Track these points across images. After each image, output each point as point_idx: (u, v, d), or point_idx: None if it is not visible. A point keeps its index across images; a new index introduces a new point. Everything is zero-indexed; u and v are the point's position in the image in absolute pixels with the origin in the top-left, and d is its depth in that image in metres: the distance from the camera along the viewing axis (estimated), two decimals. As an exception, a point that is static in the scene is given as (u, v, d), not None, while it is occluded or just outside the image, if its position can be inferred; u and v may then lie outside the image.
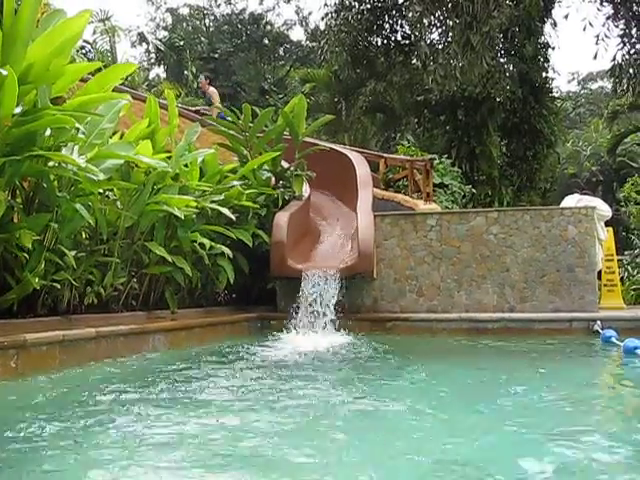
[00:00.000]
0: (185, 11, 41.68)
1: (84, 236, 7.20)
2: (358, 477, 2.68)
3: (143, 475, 2.68)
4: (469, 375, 5.62)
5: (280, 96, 36.64)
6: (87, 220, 6.47)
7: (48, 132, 5.98)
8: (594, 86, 51.18)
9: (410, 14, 20.54)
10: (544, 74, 22.03)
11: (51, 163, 6.04)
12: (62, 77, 6.12)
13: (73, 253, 6.48)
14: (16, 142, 5.61)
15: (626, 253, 15.25)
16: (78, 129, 6.22)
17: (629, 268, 14.37)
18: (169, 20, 41.73)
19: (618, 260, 12.97)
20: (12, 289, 5.98)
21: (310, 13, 41.95)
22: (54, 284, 6.35)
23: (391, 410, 4.07)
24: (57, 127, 5.83)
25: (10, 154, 5.52)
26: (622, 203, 16.45)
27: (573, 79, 53.18)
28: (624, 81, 20.48)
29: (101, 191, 7.06)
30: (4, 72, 4.94)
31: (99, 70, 6.98)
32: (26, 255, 5.94)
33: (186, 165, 8.45)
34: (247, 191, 9.46)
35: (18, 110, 5.67)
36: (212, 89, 15.42)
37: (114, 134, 7.44)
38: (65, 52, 6.14)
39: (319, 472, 2.76)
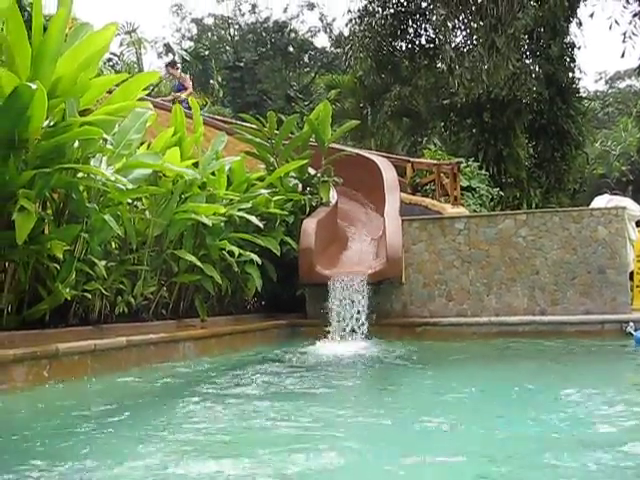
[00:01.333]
0: (210, 21, 41.97)
1: (114, 246, 7.28)
2: None
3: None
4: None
5: (306, 103, 36.70)
6: (116, 230, 6.54)
7: (76, 144, 6.06)
8: (622, 85, 50.57)
9: (434, 17, 20.52)
10: (570, 74, 21.79)
11: (80, 174, 6.12)
12: (89, 90, 6.19)
13: (103, 263, 6.55)
14: (46, 154, 5.69)
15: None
16: (106, 140, 6.31)
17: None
18: (194, 30, 42.05)
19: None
20: (44, 300, 6.05)
21: (334, 19, 41.96)
22: (85, 294, 6.42)
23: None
24: (85, 139, 5.90)
25: (40, 166, 5.59)
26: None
27: (600, 78, 52.61)
28: (653, 79, 20.26)
29: (130, 201, 7.12)
30: (33, 86, 5.01)
31: (124, 81, 7.06)
32: (57, 266, 6.01)
33: (213, 173, 8.51)
34: (274, 198, 9.49)
35: (47, 123, 5.76)
36: (185, 75, 14.98)
37: (141, 144, 7.51)
38: (92, 65, 6.22)
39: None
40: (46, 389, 4.94)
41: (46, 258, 5.94)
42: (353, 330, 8.47)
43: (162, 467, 2.89)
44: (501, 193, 16.57)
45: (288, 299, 10.17)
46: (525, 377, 5.76)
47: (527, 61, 20.92)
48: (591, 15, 21.48)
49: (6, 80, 5.13)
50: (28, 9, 9.55)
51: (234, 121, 15.10)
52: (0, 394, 4.61)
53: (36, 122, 5.43)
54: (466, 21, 20.05)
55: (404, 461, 3.01)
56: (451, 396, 4.86)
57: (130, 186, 6.08)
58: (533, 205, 19.63)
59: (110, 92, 7.05)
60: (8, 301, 5.78)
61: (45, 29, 5.75)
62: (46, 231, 6.19)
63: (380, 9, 22.39)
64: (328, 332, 8.58)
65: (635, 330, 8.13)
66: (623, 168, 36.17)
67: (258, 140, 10.74)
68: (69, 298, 6.13)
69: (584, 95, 27.34)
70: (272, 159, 10.78)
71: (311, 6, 42.37)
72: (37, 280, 6.11)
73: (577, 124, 21.61)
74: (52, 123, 5.89)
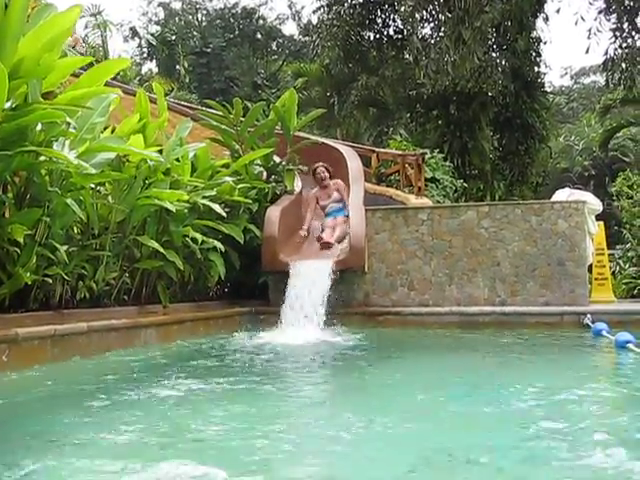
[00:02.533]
0: (177, 5, 41.61)
1: (76, 231, 7.21)
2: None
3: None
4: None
5: (273, 91, 36.61)
6: (79, 215, 6.48)
7: (39, 127, 5.98)
8: (587, 81, 51.31)
9: (402, 8, 20.58)
10: (536, 69, 22.07)
11: (42, 158, 6.04)
12: (53, 72, 6.10)
13: (65, 248, 6.48)
14: (7, 137, 5.60)
15: (618, 247, 15.33)
16: (69, 124, 6.23)
17: (620, 262, 14.46)
18: (161, 15, 41.63)
19: (610, 254, 13.06)
20: (4, 284, 5.98)
21: (303, 7, 42.16)
22: (46, 279, 6.35)
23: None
24: (48, 122, 5.83)
25: (1, 149, 5.51)
26: (614, 197, 16.52)
27: (566, 74, 53.35)
28: (616, 75, 20.57)
29: (93, 185, 7.06)
30: (-6, 66, 4.93)
31: (91, 65, 6.98)
32: (17, 250, 5.94)
33: (178, 160, 8.46)
34: (239, 186, 9.47)
35: (8, 105, 5.67)
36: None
37: (105, 129, 7.44)
38: (56, 47, 6.13)
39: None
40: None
41: (6, 242, 5.87)
42: (314, 319, 8.47)
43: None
44: (465, 185, 16.73)
45: (251, 286, 10.18)
46: (471, 367, 5.84)
47: (493, 54, 21.11)
48: (557, 10, 21.79)
49: (-34, 61, 5.05)
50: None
51: (200, 107, 15.03)
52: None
53: (-3, 104, 5.34)
54: (434, 13, 20.16)
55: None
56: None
57: (93, 171, 6.03)
58: (496, 197, 19.89)
59: (75, 76, 6.97)
60: (-34, 285, 5.71)
61: (6, 7, 5.66)
62: (7, 215, 6.13)
63: (348, -3, 22.40)
64: (287, 320, 8.58)
65: (592, 322, 8.29)
66: (585, 163, 36.74)
67: (223, 127, 10.70)
68: (29, 282, 6.06)
69: (549, 90, 27.65)
70: (237, 146, 10.75)
71: (280, -7, 42.26)
72: (-4, 265, 6.04)
73: (541, 118, 21.89)
74: (14, 105, 5.80)
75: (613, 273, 13.46)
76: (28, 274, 5.94)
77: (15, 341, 5.23)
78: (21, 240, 5.71)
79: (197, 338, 7.68)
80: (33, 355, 5.40)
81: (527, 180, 22.18)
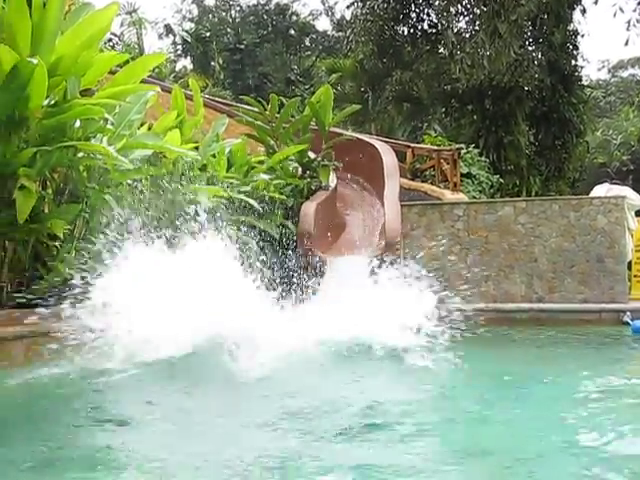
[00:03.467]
0: (211, 2, 41.68)
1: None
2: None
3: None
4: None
5: (306, 86, 36.56)
6: (116, 210, 6.53)
7: (78, 123, 6.04)
8: (625, 74, 50.36)
9: (437, 2, 20.41)
10: (573, 62, 21.65)
11: (80, 154, 6.10)
12: (91, 69, 6.16)
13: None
14: (47, 133, 5.68)
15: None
16: (107, 120, 6.29)
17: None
18: (195, 12, 41.74)
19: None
20: (44, 278, 6.05)
21: (336, 3, 41.55)
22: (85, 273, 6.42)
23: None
24: (86, 118, 5.89)
25: (41, 145, 5.58)
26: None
27: (603, 67, 52.33)
28: (656, 67, 20.17)
29: (130, 181, 7.11)
30: (34, 61, 5.00)
31: (127, 62, 7.03)
32: (57, 244, 6.01)
33: (214, 155, 8.49)
34: (274, 182, 9.48)
35: (48, 102, 5.74)
36: None
37: (142, 125, 7.50)
38: (93, 44, 6.19)
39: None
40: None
41: (46, 237, 5.94)
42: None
43: None
44: (501, 180, 16.54)
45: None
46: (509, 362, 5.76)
47: (530, 48, 20.78)
48: (595, 1, 21.29)
49: (6, 57, 5.11)
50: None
51: (235, 103, 15.07)
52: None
53: (36, 100, 5.41)
54: (469, 6, 19.94)
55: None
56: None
57: (131, 166, 6.07)
58: (533, 193, 19.59)
59: (112, 73, 7.03)
60: (8, 279, 5.78)
61: (44, 6, 5.73)
62: (46, 210, 6.20)
63: (383, -8, 22.25)
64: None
65: (632, 319, 8.17)
66: (624, 157, 36.09)
67: (258, 123, 10.72)
68: (68, 277, 6.14)
69: (586, 83, 27.19)
70: (272, 142, 10.76)
71: (313, -12, 42.13)
72: (37, 259, 6.11)
73: (579, 112, 21.50)
74: (53, 102, 5.87)
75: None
76: (67, 269, 6.01)
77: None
78: (61, 235, 5.77)
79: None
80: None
81: (564, 175, 21.81)
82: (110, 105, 6.09)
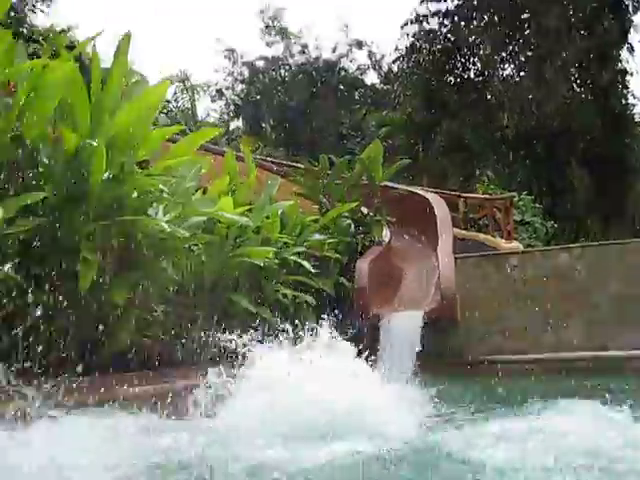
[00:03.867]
0: (261, 63, 42.79)
1: (171, 290, 7.46)
2: None
3: None
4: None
5: (357, 139, 37.02)
6: (173, 276, 6.74)
7: (135, 194, 6.29)
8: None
9: (482, 51, 20.62)
10: (623, 101, 21.52)
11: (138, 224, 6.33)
12: (146, 143, 6.43)
13: (162, 308, 6.73)
14: (106, 206, 5.91)
15: None
16: (162, 190, 6.53)
17: None
18: (246, 73, 42.90)
19: None
20: (105, 345, 6.24)
21: (383, 56, 42.32)
22: (145, 339, 6.60)
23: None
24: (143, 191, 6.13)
25: (101, 218, 5.81)
26: None
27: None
28: None
29: (186, 246, 7.32)
30: (94, 143, 5.26)
31: (182, 131, 7.33)
32: (118, 313, 6.21)
33: (267, 217, 8.68)
34: (328, 241, 9.62)
35: (106, 175, 6.00)
36: None
37: (197, 190, 7.74)
38: (148, 119, 6.48)
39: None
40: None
41: (107, 305, 6.14)
42: (407, 372, 8.41)
43: None
44: (555, 225, 16.37)
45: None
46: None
47: (577, 90, 20.73)
48: (641, 41, 21.20)
49: (69, 139, 5.39)
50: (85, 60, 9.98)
51: (286, 162, 15.41)
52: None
53: (96, 176, 5.66)
54: (514, 53, 20.08)
55: None
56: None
57: (186, 234, 6.27)
58: (591, 237, 19.31)
59: (170, 140, 7.31)
60: (72, 348, 5.97)
61: (103, 82, 6.04)
62: (107, 279, 6.41)
63: (427, 45, 22.60)
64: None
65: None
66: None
67: (310, 182, 10.93)
68: (129, 344, 6.32)
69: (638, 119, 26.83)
70: (325, 200, 10.94)
71: (359, 44, 42.94)
72: (98, 327, 6.31)
73: (634, 151, 21.26)
74: (111, 175, 6.13)
75: None
76: (128, 336, 6.19)
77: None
78: (121, 303, 5.96)
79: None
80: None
81: (623, 218, 21.48)
82: (165, 178, 6.33)
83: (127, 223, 6.11)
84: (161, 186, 6.17)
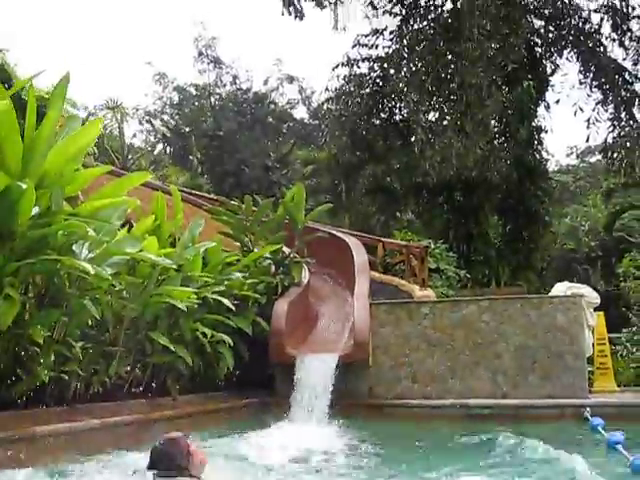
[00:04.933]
0: (192, 90, 42.83)
1: (91, 327, 7.55)
2: None
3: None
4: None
5: (283, 172, 37.43)
6: (95, 314, 6.84)
7: (60, 232, 6.41)
8: (593, 159, 51.86)
9: (407, 98, 21.29)
10: (538, 156, 22.62)
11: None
12: (75, 182, 6.58)
13: (80, 344, 6.83)
14: (31, 244, 6.02)
15: (624, 330, 15.26)
16: (87, 231, 6.66)
17: (628, 345, 14.34)
18: (176, 98, 42.85)
19: (617, 337, 13.19)
20: (22, 381, 6.30)
21: (313, 92, 43.05)
22: (62, 375, 6.67)
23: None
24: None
25: (25, 256, 5.92)
26: (622, 278, 16.72)
27: (572, 153, 53.95)
28: (616, 162, 21.04)
29: (108, 285, 7.43)
30: (24, 186, 5.39)
31: (111, 172, 7.48)
32: (37, 349, 6.28)
33: (190, 256, 8.87)
34: (248, 281, 9.85)
35: (34, 211, 6.11)
36: None
37: (124, 225, 7.87)
38: (78, 158, 6.66)
39: None
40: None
41: (27, 341, 6.21)
42: (319, 412, 8.69)
43: None
44: (468, 275, 17.03)
45: (260, 376, 10.42)
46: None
47: (496, 143, 21.68)
48: (557, 101, 22.37)
49: (-1, 178, 5.51)
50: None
51: (212, 197, 15.59)
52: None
53: (24, 215, 5.79)
54: (437, 103, 20.83)
55: None
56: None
57: (109, 277, 6.41)
58: (502, 283, 20.14)
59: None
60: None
61: (39, 119, 6.16)
62: (27, 315, 6.48)
63: (357, 88, 23.21)
64: (293, 412, 8.81)
65: (591, 416, 8.43)
66: (592, 244, 36.95)
67: (233, 221, 11.16)
68: (47, 380, 6.39)
69: (556, 169, 28.14)
70: (247, 239, 11.18)
71: (290, 79, 43.58)
72: (16, 362, 6.36)
73: (544, 204, 22.33)
74: (38, 212, 6.24)
75: (621, 356, 13.50)
76: (46, 372, 6.27)
77: (33, 439, 5.52)
78: (41, 341, 6.04)
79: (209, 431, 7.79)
80: (47, 451, 5.64)
81: (532, 265, 22.46)
82: (93, 217, 6.47)
83: (51, 262, 6.22)
84: (87, 228, 6.30)
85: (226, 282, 9.45)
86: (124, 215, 7.58)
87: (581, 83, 21.07)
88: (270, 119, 41.94)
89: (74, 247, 6.70)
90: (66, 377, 6.76)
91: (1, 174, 5.53)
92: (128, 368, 7.94)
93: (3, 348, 6.08)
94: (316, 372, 9.03)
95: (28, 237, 6.00)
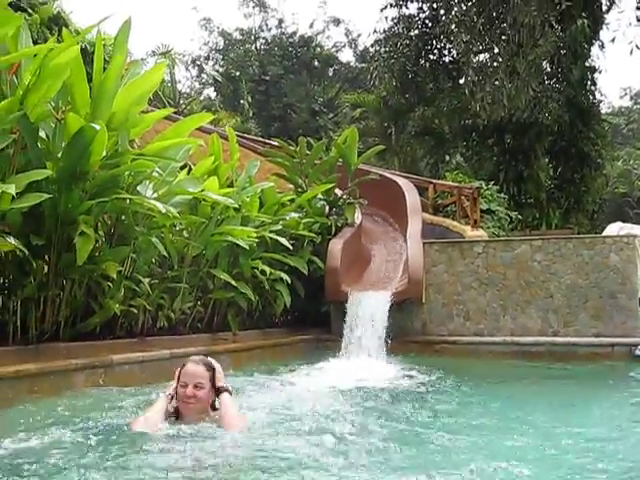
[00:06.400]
0: (237, 35, 42.73)
1: (156, 264, 7.90)
2: None
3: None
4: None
5: (330, 116, 37.37)
6: (161, 251, 7.17)
7: (127, 173, 6.69)
8: (647, 101, 50.57)
9: (458, 39, 21.04)
10: (591, 97, 22.15)
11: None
12: (139, 125, 6.82)
13: (147, 280, 7.17)
14: (102, 184, 6.30)
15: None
16: (153, 170, 6.93)
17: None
18: (221, 44, 42.81)
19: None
20: (96, 314, 6.67)
21: (359, 35, 42.64)
22: (131, 309, 7.04)
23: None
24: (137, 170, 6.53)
25: (98, 195, 6.21)
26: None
27: (625, 94, 52.63)
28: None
29: (172, 223, 7.74)
30: (97, 127, 5.63)
31: (171, 113, 7.69)
32: (109, 283, 6.63)
33: (247, 196, 9.11)
34: (303, 220, 10.09)
35: (103, 154, 6.38)
36: None
37: (183, 168, 8.13)
38: (142, 102, 6.86)
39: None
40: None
41: (99, 276, 6.56)
42: (373, 348, 8.97)
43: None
44: (519, 216, 16.97)
45: (315, 315, 10.74)
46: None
47: (548, 85, 21.30)
48: (612, 40, 21.83)
49: (71, 121, 5.76)
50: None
51: (266, 140, 15.78)
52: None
53: (96, 156, 6.04)
54: (489, 44, 20.54)
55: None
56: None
57: (176, 213, 6.68)
58: (552, 226, 20.01)
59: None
60: (65, 315, 6.39)
61: (104, 67, 6.40)
62: (99, 252, 6.81)
63: (405, 30, 22.96)
64: (348, 348, 9.10)
65: (644, 353, 8.56)
66: (645, 187, 36.35)
67: (288, 163, 11.35)
68: (118, 313, 6.76)
69: (609, 111, 27.54)
70: (301, 181, 11.38)
71: (337, 21, 43.16)
72: (89, 296, 6.73)
73: (597, 147, 21.94)
74: (106, 154, 6.51)
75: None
76: (117, 305, 6.63)
77: (110, 366, 5.90)
78: (114, 275, 6.38)
79: (269, 364, 8.08)
80: (124, 378, 6.02)
81: (583, 208, 22.19)
82: (158, 157, 6.72)
83: (121, 201, 6.51)
84: (154, 167, 6.56)
85: (282, 222, 9.69)
86: (187, 156, 7.80)
87: (638, 20, 20.54)
88: (316, 63, 41.70)
89: (139, 187, 7.00)
90: (135, 311, 7.14)
91: (75, 116, 5.77)
92: (191, 304, 8.27)
93: (79, 282, 6.43)
94: (371, 309, 9.27)
95: (99, 177, 6.28)
